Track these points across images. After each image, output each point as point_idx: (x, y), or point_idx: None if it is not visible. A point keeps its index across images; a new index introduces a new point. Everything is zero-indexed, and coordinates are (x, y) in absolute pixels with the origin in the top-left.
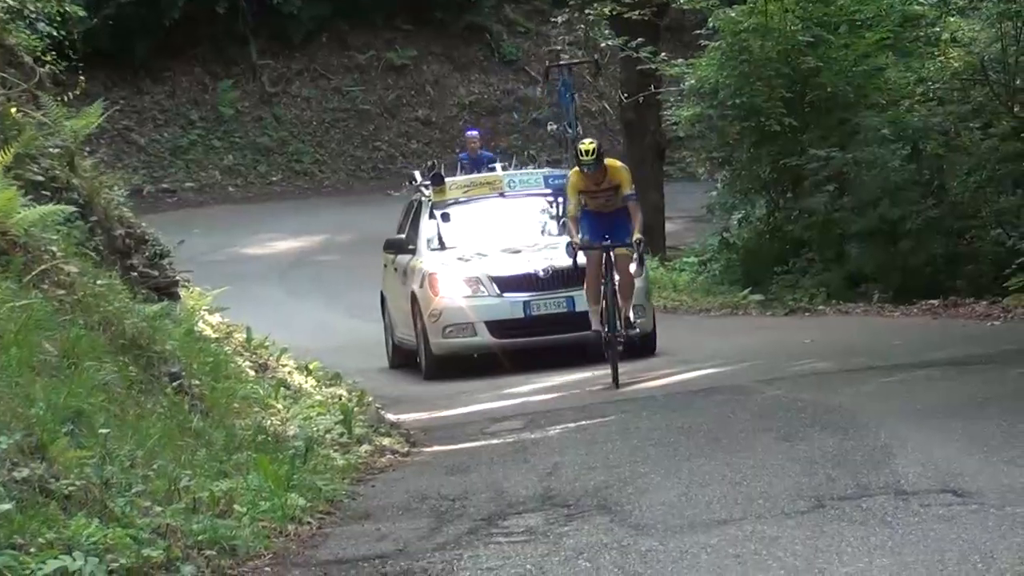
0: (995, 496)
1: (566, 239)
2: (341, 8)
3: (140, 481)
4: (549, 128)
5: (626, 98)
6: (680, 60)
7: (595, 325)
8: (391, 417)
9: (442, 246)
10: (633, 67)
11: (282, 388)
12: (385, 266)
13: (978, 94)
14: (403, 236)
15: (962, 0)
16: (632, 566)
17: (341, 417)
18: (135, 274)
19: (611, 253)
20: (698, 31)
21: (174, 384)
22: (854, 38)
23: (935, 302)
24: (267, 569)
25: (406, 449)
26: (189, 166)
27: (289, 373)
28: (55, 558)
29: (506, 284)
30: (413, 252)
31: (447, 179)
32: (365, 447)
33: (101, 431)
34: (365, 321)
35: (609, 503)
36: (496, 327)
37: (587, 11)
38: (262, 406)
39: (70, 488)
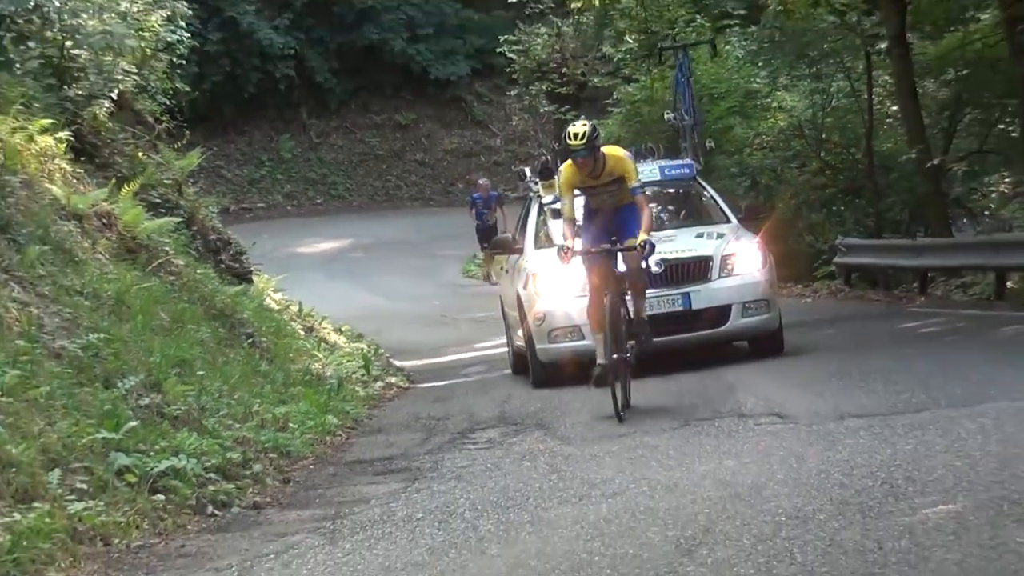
0: (805, 418)
1: (680, 231)
2: (364, 84)
3: (225, 407)
4: (665, 117)
5: (557, 147)
6: (594, 120)
7: (599, 357)
8: (396, 363)
9: (549, 243)
10: (562, 125)
11: (322, 343)
12: (502, 268)
13: (796, 144)
14: (508, 235)
15: (786, 79)
16: (559, 465)
17: (363, 363)
18: (223, 265)
19: (617, 256)
20: (607, 100)
21: (249, 341)
22: (712, 106)
23: None
24: (311, 467)
25: (406, 385)
26: (260, 192)
27: (327, 333)
28: (167, 459)
29: None
30: (522, 251)
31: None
32: (379, 383)
33: (199, 373)
34: (379, 298)
35: (544, 422)
36: None
37: (531, 87)
38: (309, 355)
39: (177, 412)
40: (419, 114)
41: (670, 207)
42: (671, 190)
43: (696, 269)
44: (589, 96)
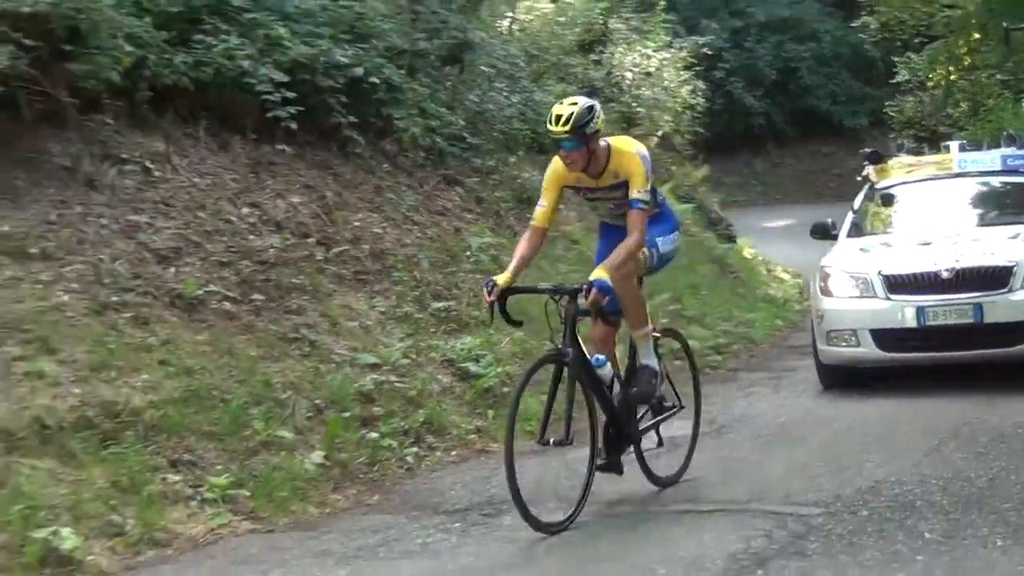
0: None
1: (992, 230)
2: (803, 130)
3: (717, 313)
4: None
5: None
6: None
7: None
8: None
9: (858, 233)
10: (919, 155)
11: (775, 278)
12: None
13: None
14: (829, 220)
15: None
16: (868, 386)
17: (799, 290)
18: (718, 232)
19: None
20: (949, 143)
21: (733, 276)
22: None
23: None
24: (766, 349)
25: None
26: (743, 190)
27: (779, 272)
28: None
29: (898, 284)
30: (836, 239)
31: (893, 158)
32: (808, 303)
33: (702, 293)
34: (810, 252)
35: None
36: (883, 337)
37: (903, 132)
38: (767, 285)
39: (690, 314)
40: (836, 147)
41: (1004, 202)
42: (1006, 184)
43: (994, 276)
44: (939, 139)
